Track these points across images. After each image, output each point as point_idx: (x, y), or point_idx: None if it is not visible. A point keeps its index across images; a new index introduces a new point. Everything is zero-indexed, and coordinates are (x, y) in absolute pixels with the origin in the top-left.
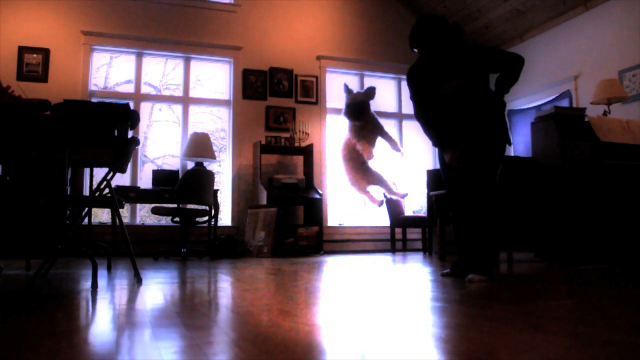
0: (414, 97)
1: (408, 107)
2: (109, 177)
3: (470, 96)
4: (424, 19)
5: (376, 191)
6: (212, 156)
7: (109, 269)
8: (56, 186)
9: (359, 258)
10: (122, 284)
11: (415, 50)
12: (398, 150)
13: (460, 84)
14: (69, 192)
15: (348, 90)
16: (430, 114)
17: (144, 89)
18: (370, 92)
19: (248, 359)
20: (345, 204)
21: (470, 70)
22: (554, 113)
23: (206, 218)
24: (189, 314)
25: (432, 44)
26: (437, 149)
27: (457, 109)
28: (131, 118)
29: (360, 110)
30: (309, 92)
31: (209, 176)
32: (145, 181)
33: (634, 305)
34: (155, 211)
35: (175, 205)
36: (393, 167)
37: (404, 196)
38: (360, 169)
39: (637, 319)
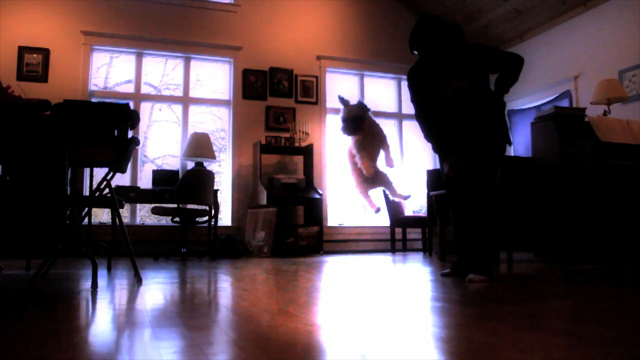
0: (414, 98)
1: (408, 107)
2: (109, 177)
3: (471, 97)
4: (424, 21)
5: (377, 196)
6: (212, 156)
7: (109, 269)
8: (56, 186)
9: (359, 258)
10: (122, 284)
11: (415, 52)
12: (391, 165)
13: (461, 86)
14: (69, 192)
15: (344, 102)
16: (430, 116)
17: (144, 89)
18: (364, 106)
19: (248, 359)
20: (345, 204)
21: (470, 71)
22: (554, 113)
23: (206, 218)
24: (189, 314)
25: (432, 45)
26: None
27: (457, 111)
28: (131, 118)
29: (356, 125)
30: (309, 92)
31: (209, 176)
32: (145, 181)
33: (634, 305)
34: (155, 211)
35: (175, 205)
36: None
37: (406, 198)
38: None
39: (637, 318)
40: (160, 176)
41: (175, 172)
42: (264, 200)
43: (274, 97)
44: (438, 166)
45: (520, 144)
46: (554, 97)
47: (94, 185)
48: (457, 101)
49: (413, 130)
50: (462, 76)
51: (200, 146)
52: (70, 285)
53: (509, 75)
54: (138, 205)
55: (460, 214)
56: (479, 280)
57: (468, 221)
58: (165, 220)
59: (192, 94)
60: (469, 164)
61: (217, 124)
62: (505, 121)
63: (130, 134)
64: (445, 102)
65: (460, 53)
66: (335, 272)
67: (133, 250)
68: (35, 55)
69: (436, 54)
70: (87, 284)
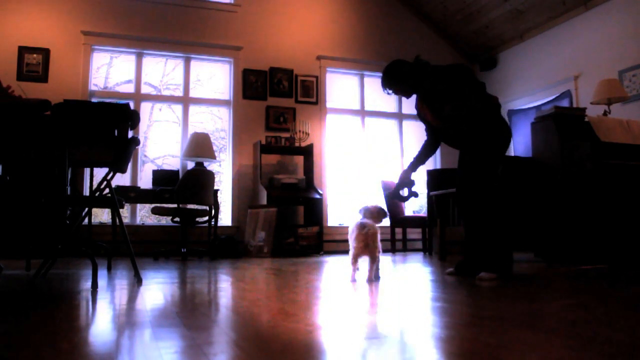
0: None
1: (408, 107)
2: (109, 177)
3: (452, 115)
4: (387, 70)
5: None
6: (212, 156)
7: (109, 269)
8: (56, 186)
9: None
10: (122, 284)
11: (389, 93)
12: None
13: (438, 106)
14: (69, 192)
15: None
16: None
17: (144, 89)
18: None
19: (248, 359)
20: (345, 204)
21: (441, 92)
22: (554, 113)
23: (206, 218)
24: (189, 314)
25: (403, 86)
26: (441, 150)
27: (447, 132)
28: (131, 118)
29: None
30: (309, 92)
31: (209, 176)
32: (145, 181)
33: (634, 305)
34: (155, 211)
35: (175, 205)
36: (394, 168)
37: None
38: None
39: (637, 319)
40: (161, 176)
41: (176, 172)
42: (264, 200)
43: (274, 97)
44: (438, 166)
45: (520, 144)
46: (554, 97)
47: (94, 185)
48: (446, 124)
49: (413, 130)
50: (444, 101)
51: (200, 146)
52: (70, 285)
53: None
54: (138, 205)
55: (469, 214)
56: (489, 277)
57: (478, 221)
58: (165, 220)
59: (192, 94)
60: (469, 172)
61: (217, 124)
62: (498, 118)
63: (130, 134)
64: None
65: (429, 80)
66: (335, 272)
67: (133, 250)
68: (35, 55)
69: (411, 92)
70: (87, 284)
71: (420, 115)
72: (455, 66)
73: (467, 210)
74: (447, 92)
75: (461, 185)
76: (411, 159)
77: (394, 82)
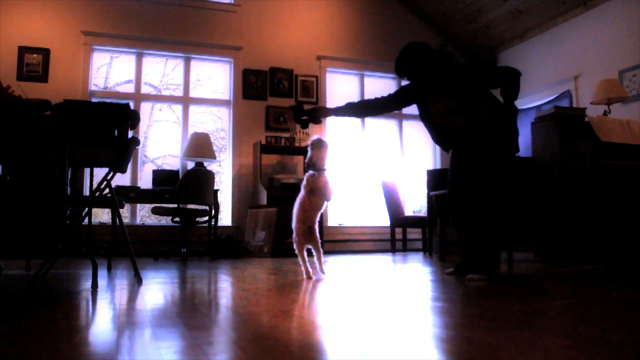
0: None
1: (408, 107)
2: (109, 177)
3: (463, 115)
4: (409, 49)
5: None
6: (212, 156)
7: (109, 269)
8: (56, 186)
9: (359, 258)
10: (122, 284)
11: (404, 79)
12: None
13: (451, 105)
14: (69, 192)
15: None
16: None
17: (144, 89)
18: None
19: (248, 359)
20: (345, 204)
21: (461, 91)
22: (554, 113)
23: (206, 218)
24: (189, 314)
25: (420, 72)
26: (437, 148)
27: (448, 129)
28: (131, 118)
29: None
30: (309, 92)
31: (209, 176)
32: (145, 181)
33: (634, 305)
34: (155, 211)
35: (175, 205)
36: (393, 166)
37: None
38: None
39: (638, 318)
40: (161, 176)
41: (176, 172)
42: (264, 200)
43: (274, 97)
44: (438, 166)
45: (520, 144)
46: (554, 97)
47: (94, 185)
48: (447, 120)
49: (413, 130)
50: (453, 97)
51: (200, 146)
52: (70, 285)
53: (508, 91)
54: (138, 205)
55: (461, 216)
56: (477, 279)
57: (470, 222)
58: (165, 220)
59: (192, 94)
60: (467, 173)
61: (217, 124)
62: (513, 129)
63: (130, 134)
64: (435, 121)
65: (450, 74)
66: (335, 272)
67: (133, 250)
68: (35, 55)
69: (424, 79)
70: (87, 284)
71: (419, 102)
72: (507, 69)
73: (460, 213)
74: (485, 93)
75: (459, 187)
76: (343, 103)
77: (415, 62)
